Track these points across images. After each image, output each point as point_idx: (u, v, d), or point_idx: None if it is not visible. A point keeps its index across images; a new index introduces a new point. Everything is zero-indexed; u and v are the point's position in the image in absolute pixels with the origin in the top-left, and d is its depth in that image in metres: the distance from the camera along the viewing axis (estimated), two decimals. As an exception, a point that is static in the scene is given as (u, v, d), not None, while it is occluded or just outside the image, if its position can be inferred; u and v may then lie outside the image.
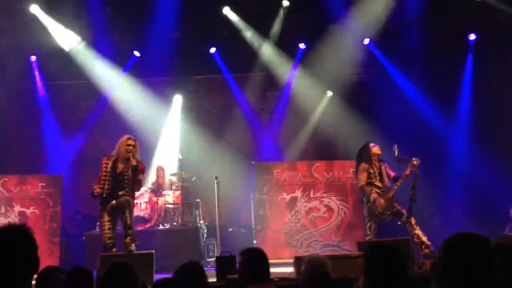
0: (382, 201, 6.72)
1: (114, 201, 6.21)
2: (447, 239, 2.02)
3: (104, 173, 6.30)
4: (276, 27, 9.61)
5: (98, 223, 6.58)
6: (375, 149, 6.97)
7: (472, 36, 9.74)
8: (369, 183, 6.86)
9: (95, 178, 6.43)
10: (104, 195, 6.26)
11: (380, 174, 6.91)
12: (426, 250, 6.32)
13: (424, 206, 6.79)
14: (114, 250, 6.12)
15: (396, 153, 6.68)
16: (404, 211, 6.58)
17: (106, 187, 6.24)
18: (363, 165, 6.91)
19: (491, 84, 9.87)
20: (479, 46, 9.77)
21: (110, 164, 6.31)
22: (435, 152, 9.34)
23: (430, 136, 9.61)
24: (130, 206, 6.35)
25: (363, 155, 6.99)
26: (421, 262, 6.06)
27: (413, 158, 6.57)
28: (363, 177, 6.88)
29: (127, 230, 6.26)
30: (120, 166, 6.32)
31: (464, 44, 9.80)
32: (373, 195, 6.76)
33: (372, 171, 6.88)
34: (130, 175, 6.31)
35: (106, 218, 6.20)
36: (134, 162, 6.28)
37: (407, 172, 6.60)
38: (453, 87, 9.96)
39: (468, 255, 1.93)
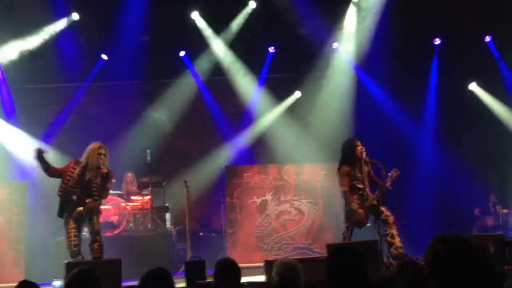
0: (361, 211, 6.50)
1: (81, 208, 6.11)
2: (434, 240, 2.06)
3: (68, 177, 6.14)
4: (245, 31, 9.62)
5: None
6: (359, 149, 6.61)
7: (437, 41, 9.96)
8: (352, 187, 6.57)
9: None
10: (70, 202, 6.13)
11: (362, 173, 6.61)
12: (395, 252, 6.33)
13: (392, 208, 6.82)
14: (80, 257, 6.01)
15: (364, 154, 6.71)
16: (383, 209, 6.49)
17: (73, 195, 6.11)
18: (345, 168, 6.58)
19: (457, 87, 10.11)
20: (444, 49, 9.99)
21: (77, 170, 6.18)
22: (402, 154, 9.49)
23: (397, 139, 9.76)
24: (98, 212, 6.26)
25: (347, 155, 6.64)
26: (389, 263, 6.12)
27: (394, 169, 6.55)
28: (345, 181, 6.56)
29: (94, 236, 6.15)
30: (89, 174, 6.20)
31: (430, 48, 10.01)
32: (354, 205, 6.49)
33: (353, 173, 6.58)
34: (98, 183, 6.20)
35: (71, 225, 6.08)
36: (104, 170, 6.19)
37: (388, 184, 6.56)
38: (419, 90, 10.16)
39: (455, 255, 1.98)
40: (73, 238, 6.02)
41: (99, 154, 6.21)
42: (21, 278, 7.42)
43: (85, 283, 2.75)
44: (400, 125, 9.91)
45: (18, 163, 9.34)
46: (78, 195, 6.12)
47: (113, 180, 6.74)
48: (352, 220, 6.57)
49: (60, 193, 6.14)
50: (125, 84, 10.11)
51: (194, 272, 5.64)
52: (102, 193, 6.31)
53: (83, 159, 6.31)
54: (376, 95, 10.06)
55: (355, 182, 6.59)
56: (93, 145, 6.33)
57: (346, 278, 2.42)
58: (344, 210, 6.73)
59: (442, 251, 1.99)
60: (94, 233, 6.14)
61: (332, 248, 2.89)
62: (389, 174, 6.56)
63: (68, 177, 6.15)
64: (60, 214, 6.15)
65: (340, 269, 2.44)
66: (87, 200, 6.13)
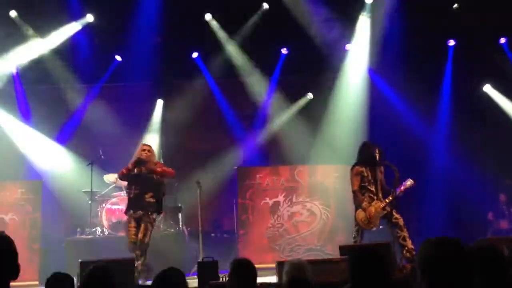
0: (372, 210, 6.50)
1: (141, 212, 6.64)
2: (425, 241, 2.08)
3: (126, 174, 6.80)
4: (258, 32, 9.62)
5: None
6: (376, 154, 6.58)
7: (452, 42, 9.89)
8: (362, 187, 6.58)
9: (76, 183, 6.57)
10: (131, 200, 6.74)
11: (375, 177, 6.61)
12: (408, 254, 6.32)
13: (404, 210, 6.79)
14: (137, 252, 6.49)
15: (378, 157, 6.68)
16: (394, 212, 6.49)
17: (132, 195, 6.72)
18: (357, 168, 6.59)
19: (471, 90, 10.03)
20: (458, 51, 9.92)
21: (132, 168, 6.76)
22: (415, 156, 9.44)
23: (411, 141, 9.70)
24: (152, 226, 6.77)
25: (363, 155, 6.66)
26: (402, 266, 6.09)
27: (409, 179, 6.57)
28: (356, 181, 6.57)
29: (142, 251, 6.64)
30: (142, 170, 6.76)
31: (444, 49, 9.95)
32: (365, 204, 6.50)
33: (366, 174, 6.57)
34: (152, 178, 6.76)
35: (132, 224, 6.66)
36: (151, 164, 6.80)
37: (400, 191, 6.52)
38: (432, 92, 10.09)
39: (443, 254, 1.98)
40: (133, 236, 6.62)
41: (143, 150, 6.84)
42: (35, 276, 7.58)
43: (99, 280, 2.80)
44: (413, 127, 9.84)
45: (32, 163, 9.46)
46: (138, 192, 6.71)
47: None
48: (362, 222, 6.56)
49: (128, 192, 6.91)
50: (139, 85, 10.18)
51: (207, 272, 5.65)
52: (161, 187, 6.86)
53: (134, 160, 6.86)
54: (389, 96, 10.01)
55: (366, 183, 6.60)
56: (139, 146, 7.07)
57: (368, 278, 2.40)
58: (354, 212, 6.72)
59: (428, 254, 2.00)
60: (142, 247, 6.63)
61: (354, 250, 2.89)
62: (403, 183, 6.54)
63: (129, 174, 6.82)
64: (125, 212, 6.88)
65: (362, 269, 2.41)
66: (146, 198, 6.71)
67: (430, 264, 1.98)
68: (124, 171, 6.83)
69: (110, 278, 2.84)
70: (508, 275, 2.50)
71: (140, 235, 6.54)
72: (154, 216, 6.80)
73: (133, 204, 6.72)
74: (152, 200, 6.74)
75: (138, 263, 6.32)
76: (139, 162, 6.76)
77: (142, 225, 6.60)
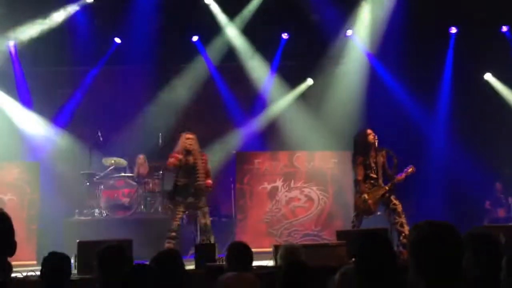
0: (371, 201, 6.54)
1: (191, 200, 6.78)
2: (413, 225, 2.10)
3: (178, 165, 6.79)
4: (258, 16, 9.55)
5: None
6: (371, 137, 6.64)
7: (453, 30, 9.84)
8: (365, 176, 6.60)
9: (74, 165, 6.49)
10: (180, 187, 6.80)
11: (376, 164, 6.63)
12: (405, 240, 6.35)
13: (402, 197, 6.81)
14: (174, 234, 6.68)
15: (376, 143, 6.70)
16: (392, 198, 6.54)
17: (181, 183, 6.77)
18: (360, 158, 6.62)
19: (472, 78, 10.00)
20: (460, 39, 9.87)
21: (183, 159, 6.78)
22: (414, 143, 9.45)
23: (410, 128, 9.71)
24: (206, 212, 6.89)
25: (359, 145, 6.69)
26: (399, 251, 6.13)
27: (410, 166, 6.62)
28: (360, 171, 6.60)
29: (206, 234, 6.83)
30: (190, 159, 6.78)
31: (445, 37, 9.90)
32: (365, 195, 6.53)
33: (368, 162, 6.61)
34: (199, 165, 6.79)
35: (181, 208, 6.82)
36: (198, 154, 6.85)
37: (401, 178, 6.57)
38: (433, 79, 10.06)
39: (432, 235, 1.99)
40: (177, 219, 6.83)
41: (187, 138, 6.86)
42: (33, 256, 7.60)
43: (116, 258, 2.85)
44: (413, 114, 9.84)
45: (29, 144, 9.45)
46: (186, 180, 6.78)
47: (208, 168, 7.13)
48: (361, 209, 6.60)
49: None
50: (138, 68, 10.13)
51: (204, 254, 5.69)
52: (207, 174, 6.94)
53: (179, 149, 6.89)
54: (389, 83, 9.98)
55: (368, 171, 6.63)
56: (182, 135, 7.05)
57: (379, 264, 2.38)
58: (354, 198, 6.77)
59: (416, 237, 2.01)
60: (206, 231, 6.82)
61: (361, 234, 2.92)
62: (405, 170, 6.57)
63: (177, 164, 6.86)
64: (172, 197, 6.93)
65: (372, 254, 2.40)
66: (195, 184, 6.77)
67: (419, 247, 1.99)
68: (177, 162, 6.84)
69: (125, 254, 2.90)
70: (503, 262, 2.52)
71: (206, 221, 6.84)
72: (204, 200, 6.93)
73: (183, 191, 6.84)
74: (199, 187, 6.86)
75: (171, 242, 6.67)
76: (187, 153, 6.85)
77: (200, 212, 6.87)
